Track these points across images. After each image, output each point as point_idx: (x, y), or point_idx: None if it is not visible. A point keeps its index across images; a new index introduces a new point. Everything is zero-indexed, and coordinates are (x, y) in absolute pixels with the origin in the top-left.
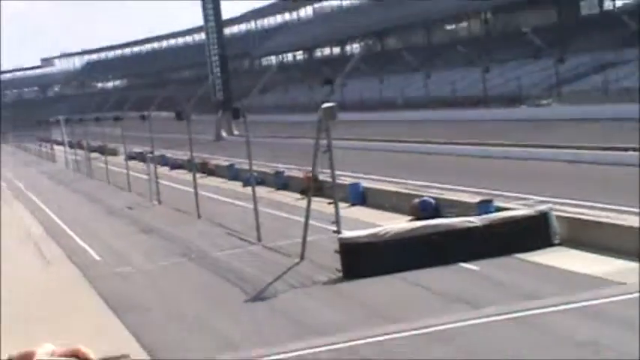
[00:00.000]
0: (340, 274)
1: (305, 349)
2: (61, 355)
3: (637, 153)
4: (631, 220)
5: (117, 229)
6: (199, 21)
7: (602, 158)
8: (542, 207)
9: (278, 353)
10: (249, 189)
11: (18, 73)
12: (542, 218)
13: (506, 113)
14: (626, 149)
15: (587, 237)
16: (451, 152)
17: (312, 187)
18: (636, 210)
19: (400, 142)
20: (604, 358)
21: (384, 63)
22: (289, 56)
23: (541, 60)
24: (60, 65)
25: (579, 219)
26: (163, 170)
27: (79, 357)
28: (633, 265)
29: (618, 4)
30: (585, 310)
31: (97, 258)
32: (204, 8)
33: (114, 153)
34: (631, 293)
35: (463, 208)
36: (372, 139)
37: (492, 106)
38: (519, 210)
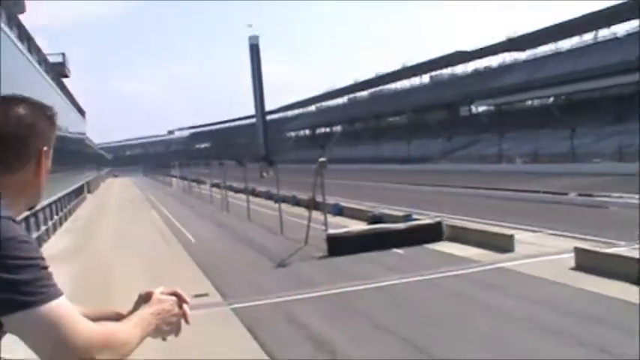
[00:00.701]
0: (327, 254)
1: (306, 293)
2: (167, 293)
3: (491, 190)
4: (484, 227)
5: (203, 224)
6: (252, 111)
7: (471, 193)
8: (438, 218)
9: (292, 295)
10: (277, 205)
11: (152, 139)
12: (438, 225)
13: (420, 167)
14: (484, 188)
15: (460, 236)
16: (390, 188)
17: (312, 205)
18: (485, 221)
19: (362, 181)
20: (470, 301)
21: (353, 137)
22: (301, 132)
23: (439, 138)
24: (177, 134)
25: (456, 226)
26: (230, 193)
27: (177, 294)
28: (484, 251)
29: (479, 109)
30: (459, 275)
31: (193, 241)
32: (255, 104)
33: (204, 182)
34: (482, 266)
35: (395, 219)
36: (346, 178)
37: (413, 162)
38: (425, 220)
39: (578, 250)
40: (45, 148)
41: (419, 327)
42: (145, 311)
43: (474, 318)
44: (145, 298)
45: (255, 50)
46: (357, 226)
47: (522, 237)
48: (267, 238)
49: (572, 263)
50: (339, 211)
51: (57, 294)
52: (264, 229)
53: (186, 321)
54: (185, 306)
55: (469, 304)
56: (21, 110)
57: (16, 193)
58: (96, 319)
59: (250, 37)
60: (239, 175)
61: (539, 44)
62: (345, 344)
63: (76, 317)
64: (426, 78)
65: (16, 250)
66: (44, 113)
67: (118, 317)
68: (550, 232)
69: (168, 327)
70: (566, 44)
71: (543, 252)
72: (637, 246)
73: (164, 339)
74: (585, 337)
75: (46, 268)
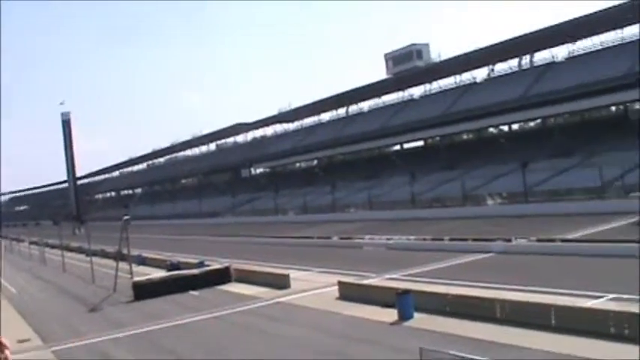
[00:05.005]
0: (133, 299)
1: (116, 334)
2: None
3: (269, 238)
4: (265, 269)
5: (23, 277)
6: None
7: (253, 241)
8: (226, 263)
9: (104, 335)
10: (88, 258)
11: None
12: (226, 269)
13: (210, 221)
14: (264, 236)
15: (246, 278)
16: (185, 239)
17: (118, 256)
18: (267, 263)
19: (161, 234)
20: (255, 331)
21: (153, 197)
22: (107, 195)
23: (226, 196)
24: None
25: (242, 269)
26: (47, 249)
27: None
28: (265, 289)
29: (258, 171)
30: (246, 311)
31: (15, 292)
32: (67, 171)
33: (23, 241)
34: (264, 302)
35: (190, 265)
36: (148, 233)
37: (204, 217)
38: (216, 265)
39: (340, 283)
40: None
41: (215, 357)
42: None
43: (259, 344)
44: None
45: (66, 125)
46: (158, 273)
47: (297, 275)
48: (81, 287)
49: (337, 294)
50: (142, 260)
51: None
52: (77, 279)
53: None
54: (6, 351)
55: (255, 334)
56: None
57: None
58: None
59: (63, 114)
60: (55, 232)
61: (305, 116)
62: None
63: None
64: (212, 146)
65: None
66: None
67: None
68: (318, 269)
69: None
70: (326, 116)
71: (314, 287)
72: (386, 276)
73: None
74: (344, 350)
75: None
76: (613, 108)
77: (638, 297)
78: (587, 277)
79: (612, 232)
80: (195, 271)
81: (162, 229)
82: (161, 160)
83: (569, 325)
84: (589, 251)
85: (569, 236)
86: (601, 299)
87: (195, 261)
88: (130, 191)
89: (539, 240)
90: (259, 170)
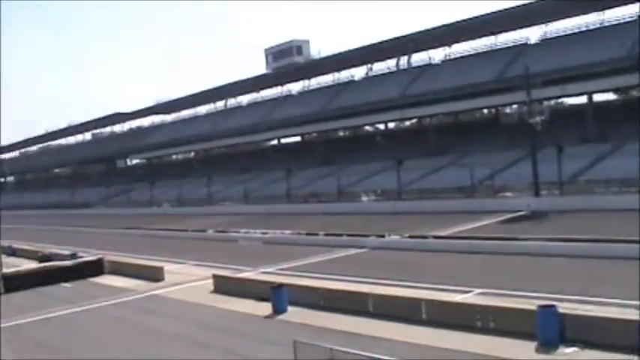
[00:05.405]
0: (3, 291)
1: None
2: None
3: (144, 230)
4: (139, 261)
5: None
6: None
7: (127, 232)
8: (99, 255)
9: None
10: None
11: None
12: (100, 261)
13: (82, 212)
14: (138, 228)
15: (119, 270)
16: (57, 230)
17: None
18: (141, 255)
19: (33, 225)
20: (128, 324)
21: (24, 186)
22: None
23: (100, 187)
24: None
25: (116, 261)
26: None
27: None
28: (139, 282)
29: (134, 162)
30: (119, 303)
31: None
32: None
33: None
34: (138, 294)
35: (63, 257)
36: (19, 223)
37: (76, 208)
38: (88, 257)
39: (215, 277)
40: None
41: (92, 351)
42: None
43: (132, 337)
44: None
45: None
46: (29, 264)
47: (171, 268)
48: None
49: (212, 287)
50: (13, 252)
51: None
52: None
53: None
54: None
55: (128, 327)
56: None
57: None
58: None
59: None
60: None
61: (183, 108)
62: None
63: None
64: (88, 135)
65: None
66: None
67: None
68: (193, 262)
69: None
70: (204, 109)
71: (188, 280)
72: (261, 270)
73: None
74: (217, 343)
75: None
76: (485, 111)
77: (502, 292)
78: (456, 272)
79: (481, 230)
80: (67, 263)
81: (33, 219)
82: (34, 148)
83: (438, 318)
84: (459, 247)
85: (441, 233)
86: (469, 294)
87: (68, 252)
88: (1, 179)
89: (411, 236)
90: (135, 161)
